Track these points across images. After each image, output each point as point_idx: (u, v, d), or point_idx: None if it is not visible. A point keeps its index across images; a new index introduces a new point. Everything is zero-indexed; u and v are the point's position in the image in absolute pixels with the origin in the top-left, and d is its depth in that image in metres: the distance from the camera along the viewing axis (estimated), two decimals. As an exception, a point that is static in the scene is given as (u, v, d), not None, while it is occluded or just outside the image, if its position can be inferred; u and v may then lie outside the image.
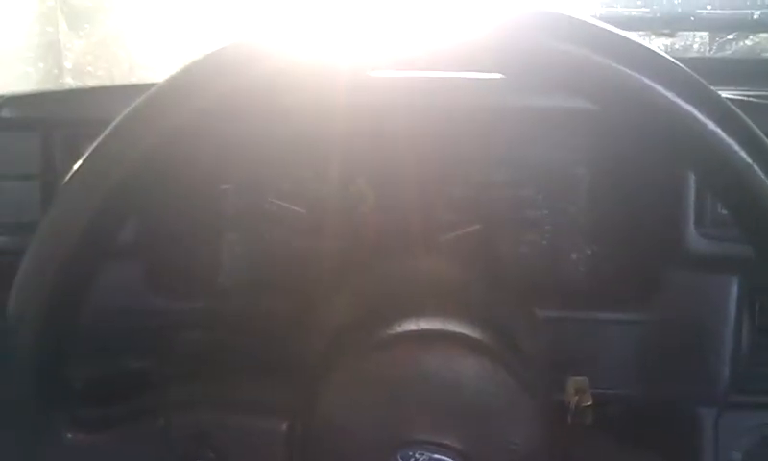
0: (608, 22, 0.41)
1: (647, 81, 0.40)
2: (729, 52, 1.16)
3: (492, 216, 0.77)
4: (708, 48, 1.16)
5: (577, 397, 0.58)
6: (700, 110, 0.40)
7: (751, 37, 1.15)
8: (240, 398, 0.57)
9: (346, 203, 0.77)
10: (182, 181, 0.46)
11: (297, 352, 0.60)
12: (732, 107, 0.41)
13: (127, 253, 0.67)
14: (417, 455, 0.52)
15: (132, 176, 0.43)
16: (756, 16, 1.03)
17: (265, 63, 0.42)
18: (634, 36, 0.42)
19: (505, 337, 0.57)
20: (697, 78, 0.41)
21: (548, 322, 0.68)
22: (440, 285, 0.66)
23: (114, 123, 0.43)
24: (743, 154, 0.40)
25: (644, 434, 0.74)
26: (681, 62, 0.41)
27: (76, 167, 0.43)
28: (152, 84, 0.43)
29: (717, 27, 1.11)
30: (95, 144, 0.43)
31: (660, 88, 0.40)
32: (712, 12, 1.05)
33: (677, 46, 1.13)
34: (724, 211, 0.66)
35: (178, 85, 0.43)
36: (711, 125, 0.40)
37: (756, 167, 0.40)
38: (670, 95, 0.40)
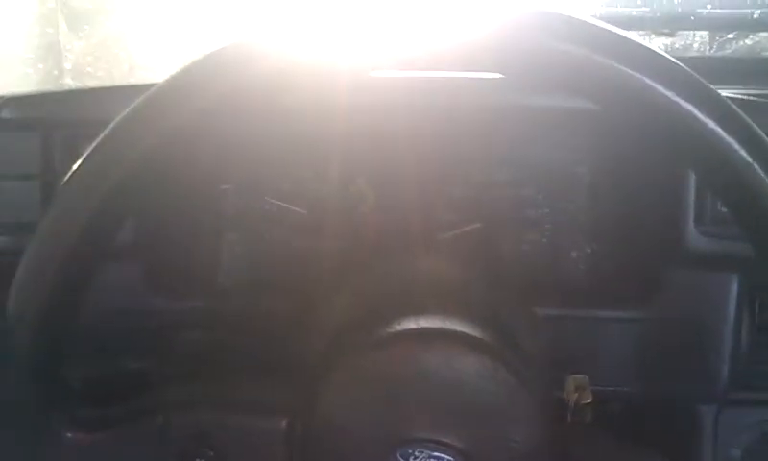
0: (608, 22, 0.42)
1: (647, 80, 0.40)
2: (729, 51, 1.16)
3: (493, 215, 0.77)
4: (707, 47, 1.16)
5: (577, 394, 0.58)
6: (700, 110, 0.40)
7: (750, 36, 1.15)
8: (240, 397, 0.57)
9: (346, 203, 0.77)
10: (182, 181, 0.46)
11: (297, 352, 0.60)
12: (732, 105, 0.41)
13: (126, 253, 0.67)
14: (417, 453, 0.52)
15: (131, 176, 0.43)
16: (755, 15, 1.03)
17: (265, 63, 0.42)
18: (634, 35, 0.42)
19: (505, 335, 0.57)
20: (697, 77, 0.41)
21: (548, 320, 0.68)
22: (440, 284, 0.66)
23: (113, 123, 0.43)
24: (743, 152, 0.40)
25: (644, 431, 0.74)
26: (681, 62, 0.41)
27: (75, 167, 0.43)
28: (152, 85, 0.43)
29: (717, 26, 1.11)
30: (94, 144, 0.43)
31: (660, 88, 0.40)
32: (712, 11, 1.05)
33: (677, 45, 1.13)
34: (724, 210, 0.66)
35: (177, 86, 0.43)
36: (711, 124, 0.40)
37: (756, 166, 0.40)
38: (670, 94, 0.40)
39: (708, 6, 1.05)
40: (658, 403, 0.74)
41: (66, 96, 0.83)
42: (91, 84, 1.47)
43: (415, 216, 0.76)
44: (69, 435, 0.51)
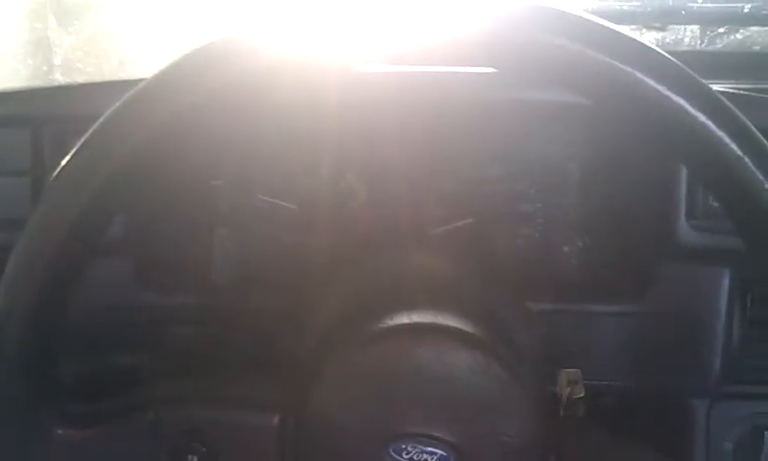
0: (599, 16, 0.41)
1: (639, 75, 0.40)
2: (720, 45, 1.16)
3: (485, 210, 0.77)
4: (698, 42, 1.16)
5: (569, 388, 0.58)
6: (691, 104, 0.40)
7: (741, 31, 1.15)
8: (231, 393, 0.57)
9: (336, 198, 0.77)
10: (172, 176, 0.46)
11: (288, 347, 0.60)
12: (723, 99, 0.41)
13: (116, 248, 0.67)
14: (409, 448, 0.52)
15: (120, 171, 0.43)
16: (746, 10, 1.03)
17: (254, 58, 0.41)
18: (625, 29, 0.42)
19: (497, 330, 0.57)
20: (688, 71, 0.41)
21: (541, 314, 0.68)
22: (432, 279, 0.66)
23: (102, 118, 0.43)
24: (734, 146, 0.40)
25: (637, 425, 0.74)
26: (672, 56, 0.41)
27: (64, 163, 0.43)
28: (141, 80, 0.43)
29: (708, 20, 1.11)
30: (83, 140, 0.43)
31: (651, 82, 0.40)
32: (703, 5, 1.05)
33: (668, 40, 1.13)
34: (715, 204, 0.66)
35: (166, 80, 0.42)
36: (702, 118, 0.40)
37: (746, 159, 0.40)
38: (662, 89, 0.40)
39: (699, 0, 1.05)
40: (650, 397, 0.74)
41: (56, 92, 0.82)
42: (81, 79, 1.46)
43: (406, 211, 0.76)
44: (60, 431, 0.50)
